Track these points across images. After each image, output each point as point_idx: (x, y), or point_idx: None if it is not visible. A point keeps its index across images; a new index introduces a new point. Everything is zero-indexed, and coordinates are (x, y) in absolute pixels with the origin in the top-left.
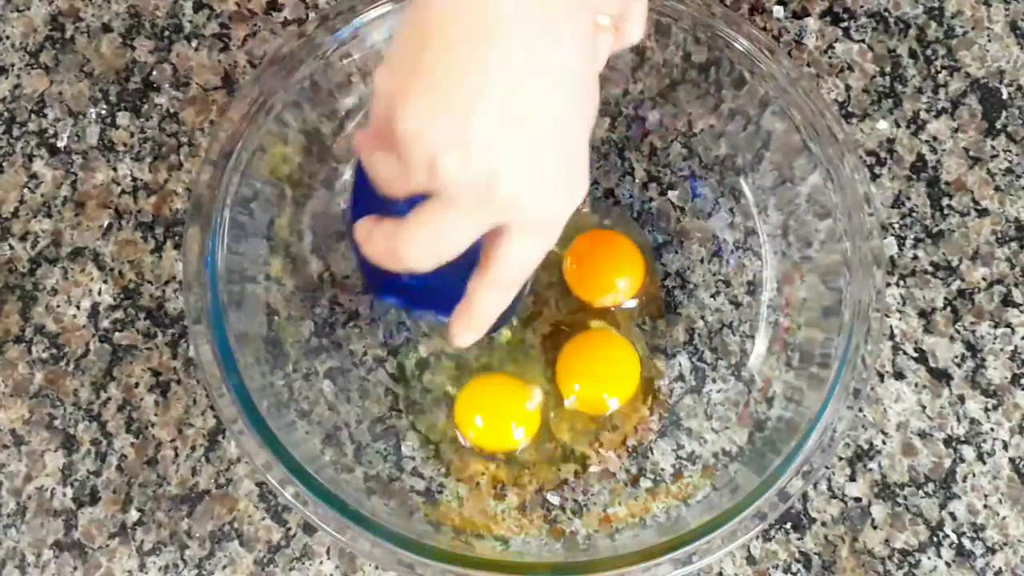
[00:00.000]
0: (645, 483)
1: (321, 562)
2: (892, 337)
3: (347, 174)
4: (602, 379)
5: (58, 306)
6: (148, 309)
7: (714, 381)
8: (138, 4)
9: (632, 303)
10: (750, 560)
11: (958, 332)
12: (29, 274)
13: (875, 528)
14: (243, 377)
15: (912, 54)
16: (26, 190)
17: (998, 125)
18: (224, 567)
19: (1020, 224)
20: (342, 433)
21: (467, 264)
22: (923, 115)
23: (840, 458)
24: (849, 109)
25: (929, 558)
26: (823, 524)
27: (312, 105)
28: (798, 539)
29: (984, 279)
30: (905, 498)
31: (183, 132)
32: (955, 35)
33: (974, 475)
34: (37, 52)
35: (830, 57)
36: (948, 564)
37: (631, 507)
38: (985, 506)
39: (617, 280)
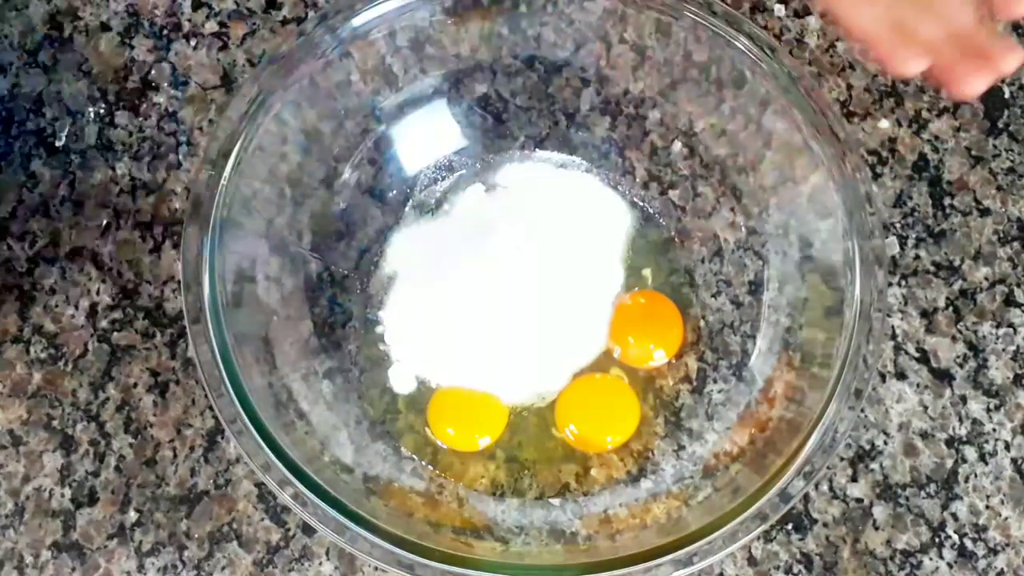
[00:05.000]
0: (646, 484)
1: (320, 563)
2: (894, 337)
3: (347, 174)
4: (601, 429)
5: (56, 306)
6: (147, 309)
7: (715, 381)
8: (136, 3)
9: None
10: (751, 561)
11: (960, 332)
12: (27, 274)
13: (877, 529)
14: (242, 377)
15: None
16: (24, 189)
17: (1000, 124)
18: (223, 568)
19: (1022, 223)
20: (341, 434)
21: None
22: (925, 114)
23: (841, 458)
24: (851, 108)
25: (931, 559)
26: (824, 525)
27: (311, 104)
28: (799, 540)
29: (986, 279)
30: (907, 499)
31: (182, 131)
32: None
33: (976, 476)
34: (35, 51)
35: (831, 56)
36: (950, 565)
37: (632, 508)
38: (987, 507)
39: (654, 349)
